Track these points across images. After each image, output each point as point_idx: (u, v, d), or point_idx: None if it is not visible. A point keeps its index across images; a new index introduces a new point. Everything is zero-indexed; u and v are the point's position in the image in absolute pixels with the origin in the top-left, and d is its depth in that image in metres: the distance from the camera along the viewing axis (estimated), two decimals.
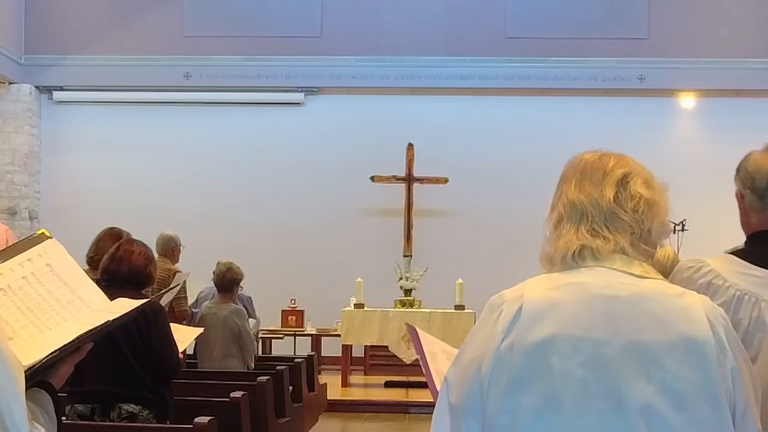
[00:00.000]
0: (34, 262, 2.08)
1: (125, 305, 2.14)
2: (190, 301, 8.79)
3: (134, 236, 6.14)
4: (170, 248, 7.84)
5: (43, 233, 2.16)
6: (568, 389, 1.67)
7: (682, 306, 1.74)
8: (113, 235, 6.23)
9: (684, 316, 1.72)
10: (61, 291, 2.07)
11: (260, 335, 10.23)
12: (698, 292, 2.57)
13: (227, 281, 7.60)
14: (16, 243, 2.15)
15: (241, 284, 7.86)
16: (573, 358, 1.69)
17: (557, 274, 1.82)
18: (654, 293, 1.75)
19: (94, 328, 1.99)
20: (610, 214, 1.81)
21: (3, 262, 2.05)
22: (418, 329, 2.44)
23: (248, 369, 7.44)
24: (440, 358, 2.37)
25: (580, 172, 1.88)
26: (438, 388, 2.18)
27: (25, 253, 2.08)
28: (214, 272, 9.13)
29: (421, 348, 2.35)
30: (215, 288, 8.83)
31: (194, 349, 8.68)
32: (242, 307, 7.74)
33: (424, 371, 2.30)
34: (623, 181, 1.83)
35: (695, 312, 1.73)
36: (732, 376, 1.70)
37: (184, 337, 4.99)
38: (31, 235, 2.17)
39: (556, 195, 1.92)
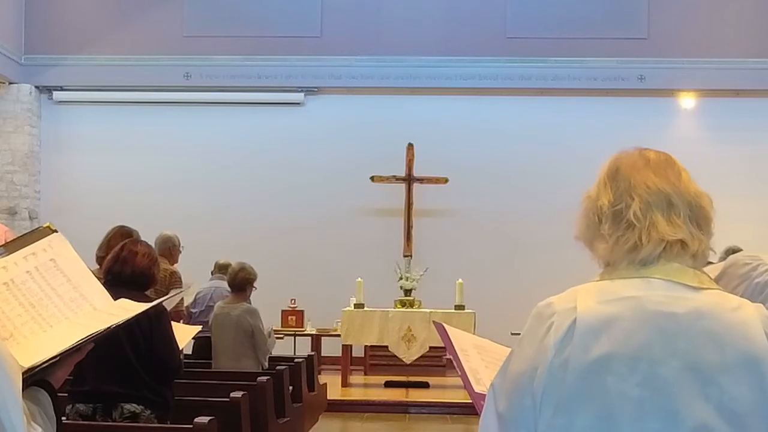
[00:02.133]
0: (38, 256, 2.07)
1: (128, 308, 2.13)
2: (189, 300, 8.78)
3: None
4: (167, 248, 7.83)
5: (48, 227, 2.14)
6: (623, 410, 1.65)
7: (740, 321, 1.70)
8: (124, 234, 6.23)
9: (742, 334, 1.68)
10: (64, 288, 2.05)
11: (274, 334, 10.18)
12: (754, 290, 2.52)
13: (240, 281, 7.61)
14: (22, 236, 2.13)
15: (255, 285, 7.84)
16: (629, 378, 1.66)
17: (609, 283, 1.76)
18: (711, 308, 1.71)
19: (95, 333, 1.99)
20: (696, 206, 1.79)
21: (8, 255, 2.04)
22: (446, 325, 2.35)
23: (262, 368, 7.45)
24: (472, 355, 2.31)
25: (654, 164, 1.81)
26: (474, 387, 2.15)
27: (29, 246, 2.07)
28: (214, 272, 9.16)
29: (453, 347, 2.29)
30: (214, 288, 8.86)
31: (194, 349, 8.69)
32: (255, 307, 7.73)
33: (458, 371, 2.23)
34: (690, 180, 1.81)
35: (753, 328, 1.69)
36: None
37: (182, 335, 4.98)
38: (37, 228, 2.15)
39: (619, 187, 1.80)
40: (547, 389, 1.69)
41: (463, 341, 2.36)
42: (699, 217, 1.79)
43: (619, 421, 1.65)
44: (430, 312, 11.20)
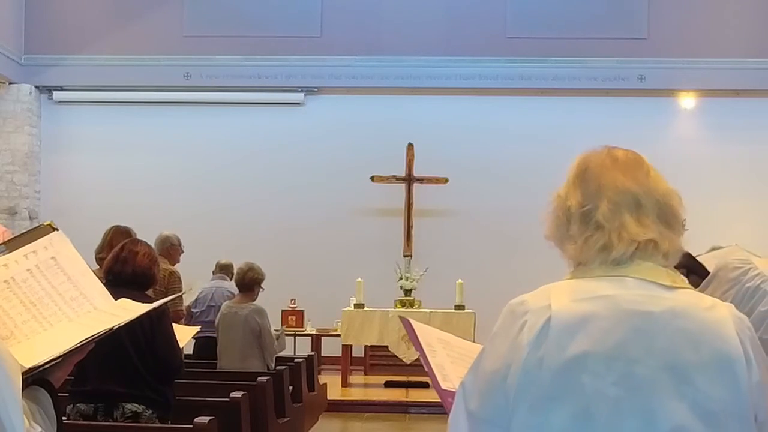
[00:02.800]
0: (39, 254, 2.06)
1: (129, 308, 2.13)
2: (189, 300, 8.79)
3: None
4: (166, 248, 7.83)
5: (49, 225, 2.14)
6: (600, 408, 1.65)
7: (714, 321, 1.71)
8: (123, 233, 6.24)
9: (716, 333, 1.70)
10: (65, 286, 2.05)
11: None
12: (745, 295, 2.53)
13: (249, 280, 7.62)
14: (23, 233, 2.13)
15: (263, 285, 7.84)
16: (606, 377, 1.66)
17: (582, 282, 1.77)
18: (686, 308, 1.72)
19: (98, 334, 1.98)
20: (665, 206, 1.78)
21: (9, 253, 2.03)
22: (412, 321, 2.35)
23: (268, 369, 7.44)
24: (438, 350, 2.31)
25: (623, 164, 1.81)
26: (441, 384, 2.14)
27: (30, 244, 2.07)
28: (215, 272, 9.16)
29: (419, 342, 2.28)
30: (215, 288, 8.86)
31: (195, 349, 8.69)
32: (263, 307, 7.73)
33: (425, 367, 2.23)
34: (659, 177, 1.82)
35: (727, 328, 1.71)
36: (757, 390, 1.69)
37: (181, 336, 4.99)
38: (37, 226, 2.15)
39: (588, 188, 1.82)
40: (521, 387, 1.69)
41: (429, 336, 2.35)
42: (668, 216, 1.78)
43: (595, 419, 1.65)
44: (430, 312, 11.20)
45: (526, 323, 1.73)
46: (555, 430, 1.66)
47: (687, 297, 1.74)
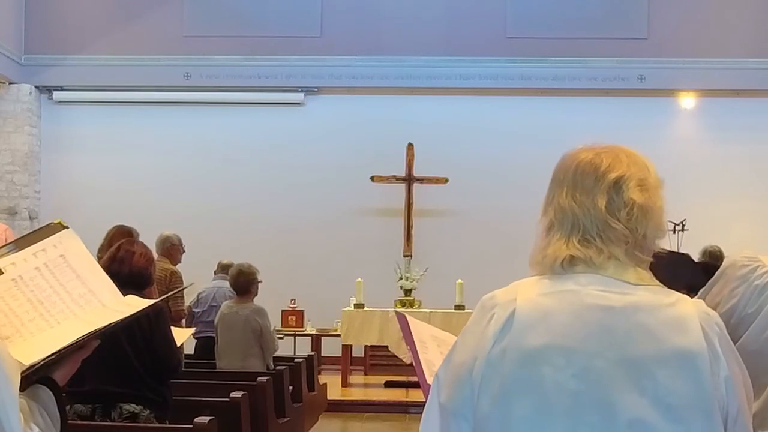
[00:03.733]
0: (48, 252, 2.07)
1: (134, 304, 2.13)
2: (191, 300, 8.80)
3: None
4: (167, 248, 7.85)
5: (59, 223, 2.14)
6: (559, 401, 1.66)
7: (676, 316, 1.71)
8: (124, 233, 6.25)
9: (678, 327, 1.70)
10: (73, 284, 2.05)
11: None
12: (753, 292, 2.52)
13: (243, 283, 7.62)
14: (33, 232, 2.13)
15: (259, 279, 7.84)
16: (565, 369, 1.67)
17: (549, 279, 1.78)
18: (648, 303, 1.72)
19: (97, 329, 1.99)
20: (602, 224, 1.75)
21: (17, 251, 2.04)
22: (408, 316, 2.37)
23: (268, 368, 7.45)
24: (430, 347, 2.32)
25: (572, 177, 1.80)
26: (428, 380, 2.16)
27: (39, 243, 2.07)
28: (216, 272, 9.17)
29: (411, 337, 2.30)
30: (217, 288, 8.87)
31: (196, 349, 8.69)
32: (263, 307, 7.74)
33: (413, 362, 2.26)
34: (616, 187, 1.76)
35: (689, 322, 1.71)
36: (725, 385, 1.68)
37: (178, 337, 4.99)
38: (48, 224, 2.15)
39: (548, 197, 1.86)
40: (485, 379, 1.71)
41: (423, 333, 2.37)
42: (606, 231, 1.77)
43: (555, 412, 1.66)
44: (430, 312, 11.19)
45: (494, 316, 1.75)
46: (516, 422, 1.67)
47: (650, 293, 1.75)
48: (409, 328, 2.33)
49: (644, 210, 1.77)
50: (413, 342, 2.30)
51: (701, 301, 1.80)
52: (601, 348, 1.68)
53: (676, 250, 4.62)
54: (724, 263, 2.60)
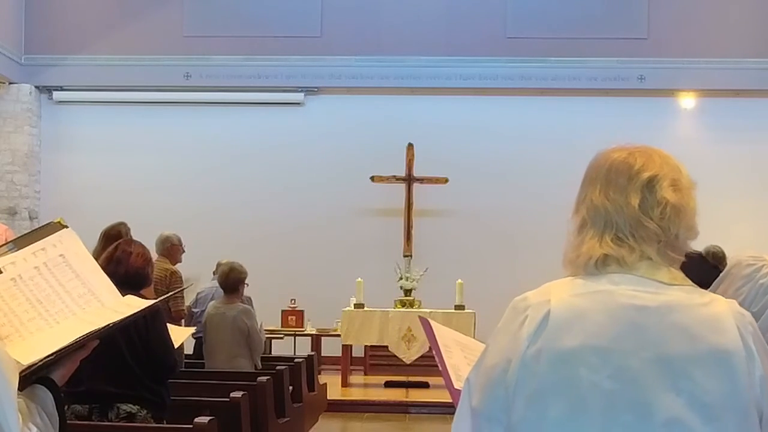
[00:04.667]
0: (47, 252, 2.06)
1: (133, 304, 2.13)
2: (190, 300, 8.80)
3: (134, 236, 6.17)
4: (167, 248, 7.85)
5: (59, 222, 2.14)
6: (595, 401, 1.66)
7: (711, 316, 1.72)
8: (113, 236, 6.25)
9: (713, 327, 1.70)
10: (73, 283, 2.05)
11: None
12: (759, 291, 2.52)
13: (232, 281, 7.58)
14: (32, 231, 2.13)
15: (246, 281, 7.84)
16: (601, 370, 1.68)
17: (582, 279, 1.78)
18: (682, 303, 1.73)
19: (96, 330, 1.98)
20: (635, 222, 1.76)
21: (17, 250, 2.03)
22: (431, 321, 2.37)
23: (256, 368, 7.44)
24: (455, 352, 2.32)
25: (605, 175, 1.81)
26: (454, 383, 2.15)
27: (39, 242, 2.07)
28: (216, 273, 9.16)
29: (436, 342, 2.30)
30: (215, 288, 8.86)
31: (195, 349, 8.68)
32: (251, 308, 7.72)
33: (440, 367, 2.23)
34: (649, 186, 1.77)
35: (724, 322, 1.71)
36: (760, 385, 1.69)
37: (176, 337, 4.99)
38: (48, 223, 2.15)
39: (580, 195, 1.86)
40: (519, 380, 1.71)
41: (446, 338, 2.37)
42: (639, 230, 1.77)
43: (591, 412, 1.66)
44: (430, 312, 11.18)
45: (527, 318, 1.75)
46: (551, 423, 1.67)
47: (684, 293, 1.75)
48: (433, 333, 2.33)
49: (677, 209, 1.77)
50: (438, 347, 2.29)
51: (734, 301, 1.79)
52: (636, 348, 1.69)
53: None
54: (730, 262, 2.61)
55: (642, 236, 1.76)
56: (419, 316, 2.66)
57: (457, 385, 2.10)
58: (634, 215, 1.76)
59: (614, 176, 1.80)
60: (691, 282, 1.79)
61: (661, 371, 1.67)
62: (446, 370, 2.22)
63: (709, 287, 3.37)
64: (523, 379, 1.71)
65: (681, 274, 1.78)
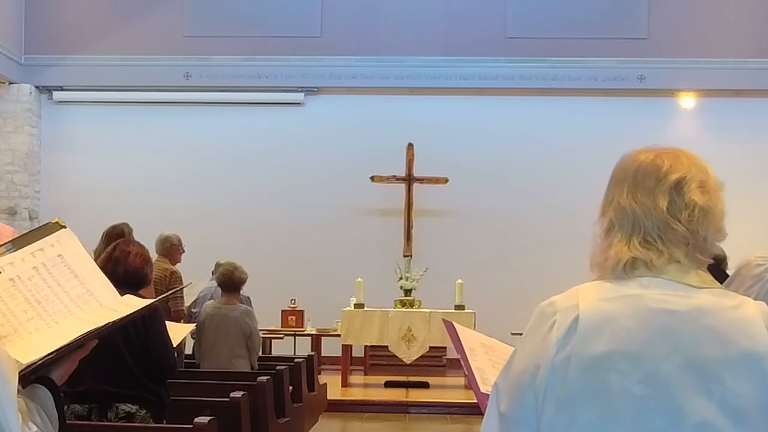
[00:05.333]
0: (46, 252, 2.07)
1: (132, 303, 2.13)
2: (190, 300, 8.78)
3: (134, 236, 6.17)
4: (166, 248, 7.84)
5: (57, 222, 2.14)
6: (625, 406, 1.66)
7: (741, 319, 1.71)
8: (117, 234, 6.26)
9: (743, 330, 1.69)
10: (71, 284, 2.05)
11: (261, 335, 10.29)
12: (767, 292, 2.52)
13: (237, 281, 7.57)
14: (30, 231, 2.13)
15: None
16: (631, 375, 1.67)
17: (610, 283, 1.77)
18: (712, 306, 1.72)
19: (95, 329, 1.99)
20: (663, 225, 1.74)
21: (15, 251, 2.04)
22: (455, 324, 2.35)
23: (252, 369, 7.43)
24: (479, 354, 2.30)
25: (632, 177, 1.80)
26: (480, 387, 2.14)
27: (38, 242, 2.07)
28: (218, 272, 9.15)
29: (461, 345, 2.28)
30: (214, 288, 8.84)
31: (193, 349, 8.67)
32: (252, 309, 7.71)
33: (465, 370, 2.22)
34: (677, 188, 1.76)
35: (755, 325, 1.70)
36: None
37: (176, 334, 4.98)
38: (46, 224, 2.15)
39: (607, 198, 1.84)
40: (549, 386, 1.70)
41: (471, 340, 2.35)
42: (667, 233, 1.76)
43: (621, 417, 1.66)
44: (430, 312, 11.20)
45: (555, 323, 1.74)
46: (582, 428, 1.67)
47: (714, 296, 1.74)
48: (457, 335, 2.31)
49: (705, 212, 1.76)
50: (463, 350, 2.27)
51: (763, 303, 1.78)
52: (667, 352, 1.68)
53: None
54: (739, 263, 2.61)
55: (670, 239, 1.75)
56: (443, 319, 2.63)
57: (483, 388, 2.10)
58: (662, 218, 1.75)
59: (642, 178, 1.79)
60: (719, 285, 1.78)
61: (693, 375, 1.66)
62: (472, 373, 2.20)
63: None
64: (552, 385, 1.70)
65: (710, 277, 1.77)
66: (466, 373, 2.22)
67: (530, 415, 1.72)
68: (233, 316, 7.44)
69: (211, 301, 7.89)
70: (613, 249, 1.77)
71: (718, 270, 4.43)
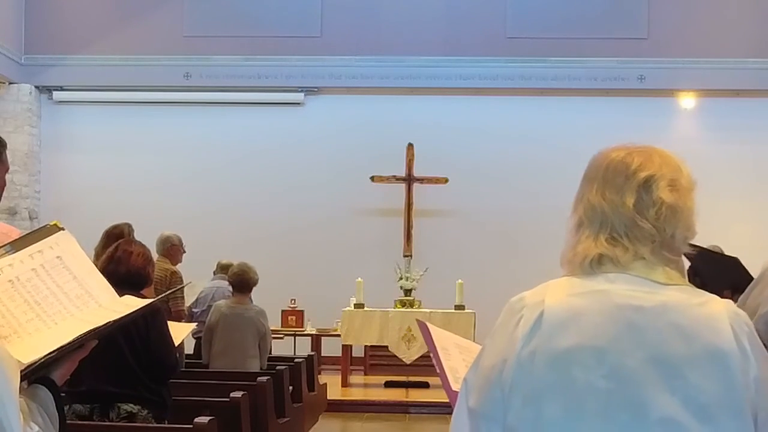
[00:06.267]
0: (44, 254, 2.07)
1: (131, 304, 2.14)
2: (191, 300, 8.79)
3: (134, 236, 6.17)
4: (167, 248, 7.85)
5: (55, 224, 2.15)
6: (590, 401, 1.67)
7: (707, 315, 1.72)
8: (117, 234, 6.26)
9: (708, 327, 1.70)
10: (70, 285, 2.06)
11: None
12: None
13: (249, 281, 7.62)
14: (29, 233, 2.14)
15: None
16: (596, 369, 1.68)
17: (579, 279, 1.78)
18: (678, 303, 1.73)
19: (95, 328, 1.99)
20: (630, 222, 1.76)
21: (14, 252, 2.04)
22: (429, 324, 2.39)
23: (262, 369, 7.45)
24: (453, 354, 2.33)
25: (602, 175, 1.82)
26: (452, 385, 2.16)
27: (36, 244, 2.08)
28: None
29: (433, 344, 2.31)
30: (216, 288, 8.85)
31: (195, 349, 8.67)
32: (264, 310, 7.75)
33: (437, 369, 2.25)
34: (646, 186, 1.77)
35: (719, 321, 1.71)
36: (755, 385, 1.69)
37: (177, 334, 4.98)
38: (44, 226, 2.16)
39: (578, 194, 1.87)
40: (515, 380, 1.71)
41: (444, 340, 2.38)
42: (634, 230, 1.77)
43: (586, 412, 1.67)
44: (430, 312, 11.20)
45: (522, 317, 1.76)
46: (547, 422, 1.68)
47: (680, 293, 1.75)
48: (430, 335, 2.34)
49: (673, 210, 1.77)
50: (436, 349, 2.30)
51: (730, 300, 1.79)
52: (632, 347, 1.69)
53: (725, 253, 4.70)
54: (764, 265, 2.61)
55: (636, 236, 1.76)
56: (417, 319, 2.68)
57: (455, 387, 2.11)
58: (629, 215, 1.77)
59: (611, 176, 1.81)
60: (687, 281, 1.79)
61: (657, 371, 1.67)
62: (444, 372, 2.23)
63: (742, 291, 3.38)
64: (518, 380, 1.71)
65: (677, 274, 1.78)
66: (438, 371, 2.26)
67: (498, 410, 1.73)
68: (248, 315, 7.48)
69: (224, 300, 7.90)
70: (581, 245, 1.79)
71: (741, 270, 4.44)
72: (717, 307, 1.74)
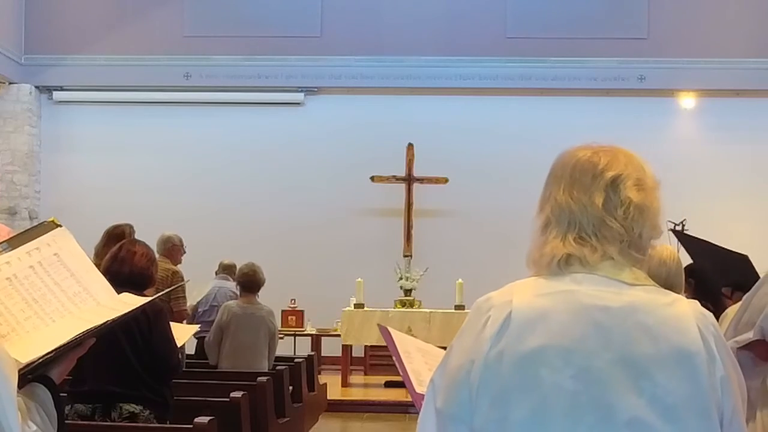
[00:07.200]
0: (42, 251, 2.07)
1: (130, 302, 2.13)
2: (196, 299, 8.78)
3: (134, 236, 6.16)
4: (168, 248, 7.84)
5: (53, 221, 2.14)
6: (557, 402, 1.66)
7: (673, 316, 1.72)
8: (117, 235, 6.25)
9: (675, 327, 1.70)
10: (68, 282, 2.06)
11: None
12: None
13: (258, 282, 7.68)
14: (26, 231, 2.13)
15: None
16: (563, 370, 1.67)
17: (545, 279, 1.78)
18: (645, 303, 1.72)
19: (94, 327, 1.99)
20: (598, 221, 1.76)
21: (11, 250, 2.04)
22: (390, 329, 2.43)
23: (269, 368, 7.47)
24: (415, 357, 2.35)
25: (569, 174, 1.81)
26: (416, 388, 2.17)
27: (33, 241, 2.07)
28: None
29: (396, 348, 2.34)
30: (219, 288, 8.86)
31: (197, 349, 8.67)
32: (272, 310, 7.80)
33: (400, 372, 2.29)
34: (613, 186, 1.77)
35: (686, 322, 1.71)
36: (721, 385, 1.69)
37: (180, 335, 4.98)
38: (41, 223, 2.15)
39: (544, 194, 1.87)
40: (483, 381, 1.70)
41: (407, 344, 2.42)
42: (602, 229, 1.77)
43: (553, 413, 1.66)
44: (430, 312, 11.20)
45: (489, 318, 1.75)
46: (515, 423, 1.67)
47: (647, 293, 1.75)
48: (392, 339, 2.38)
49: (641, 209, 1.77)
50: (398, 353, 2.33)
51: (696, 301, 1.79)
52: (599, 348, 1.68)
53: (734, 251, 4.66)
54: None
55: (605, 236, 1.76)
56: (378, 324, 2.72)
57: (419, 389, 2.13)
58: (597, 215, 1.76)
59: (579, 175, 1.80)
60: (653, 282, 1.79)
61: (624, 372, 1.66)
62: (407, 374, 2.25)
63: (746, 289, 3.37)
64: (486, 381, 1.70)
65: (644, 274, 1.78)
66: (401, 374, 2.27)
67: (466, 411, 1.72)
68: (260, 315, 7.51)
69: (234, 301, 7.93)
70: (548, 245, 1.80)
71: (749, 268, 4.43)
72: (684, 308, 1.74)
